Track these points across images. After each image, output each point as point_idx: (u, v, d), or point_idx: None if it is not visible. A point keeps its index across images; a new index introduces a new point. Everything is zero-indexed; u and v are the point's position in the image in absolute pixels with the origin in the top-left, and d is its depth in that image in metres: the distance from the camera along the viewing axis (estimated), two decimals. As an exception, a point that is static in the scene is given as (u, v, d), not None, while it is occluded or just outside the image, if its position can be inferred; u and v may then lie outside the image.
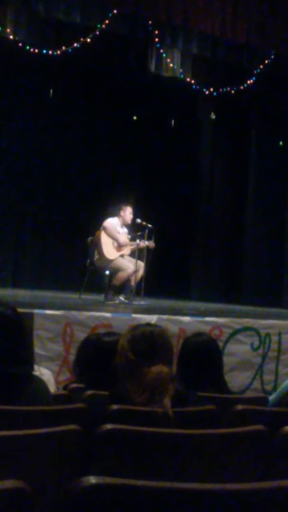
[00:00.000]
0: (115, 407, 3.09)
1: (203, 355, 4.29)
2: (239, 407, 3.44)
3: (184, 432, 2.82)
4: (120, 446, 2.71)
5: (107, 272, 10.20)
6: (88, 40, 10.22)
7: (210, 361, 4.31)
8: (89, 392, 3.56)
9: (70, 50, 10.29)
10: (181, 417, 3.15)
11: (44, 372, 4.13)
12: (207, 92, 11.80)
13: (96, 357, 4.14)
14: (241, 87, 11.71)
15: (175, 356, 3.63)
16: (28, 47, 10.25)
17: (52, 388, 3.95)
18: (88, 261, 10.28)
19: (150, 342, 3.29)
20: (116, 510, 1.74)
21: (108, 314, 7.99)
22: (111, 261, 10.06)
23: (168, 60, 10.82)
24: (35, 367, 4.07)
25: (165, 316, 8.23)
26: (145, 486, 1.76)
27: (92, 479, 1.73)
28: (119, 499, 1.74)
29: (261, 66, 11.49)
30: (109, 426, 2.70)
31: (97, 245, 10.11)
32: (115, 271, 10.08)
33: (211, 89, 11.77)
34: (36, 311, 7.49)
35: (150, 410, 3.10)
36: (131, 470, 2.64)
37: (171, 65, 10.83)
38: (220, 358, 4.55)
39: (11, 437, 2.56)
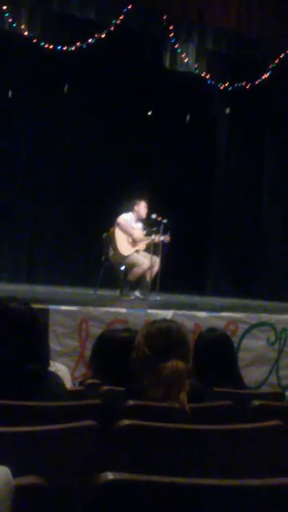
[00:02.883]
0: (131, 402, 3.09)
1: (216, 350, 4.30)
2: (256, 402, 3.43)
3: (201, 427, 2.81)
4: (137, 442, 2.71)
5: (123, 268, 10.20)
6: (103, 36, 10.22)
7: (223, 356, 4.32)
8: (105, 387, 3.57)
9: (84, 46, 10.29)
10: (197, 413, 3.15)
11: (60, 368, 4.13)
12: (222, 87, 11.77)
13: (112, 353, 4.14)
14: (257, 82, 11.66)
15: (191, 351, 3.63)
16: (42, 43, 10.26)
17: (68, 384, 3.95)
18: (103, 257, 10.28)
19: (166, 337, 3.29)
20: (133, 506, 1.74)
21: (123, 310, 7.98)
22: (126, 256, 10.06)
23: (183, 55, 10.80)
24: (51, 362, 4.07)
25: (180, 312, 8.21)
26: (161, 482, 1.76)
27: (110, 475, 1.73)
28: (136, 495, 1.74)
29: (277, 61, 11.43)
30: (125, 421, 2.70)
31: (111, 241, 10.11)
32: (131, 266, 10.07)
33: (226, 84, 11.73)
34: (51, 307, 7.48)
35: (167, 405, 3.10)
36: (148, 465, 2.64)
37: (186, 60, 10.81)
38: (233, 353, 4.56)
39: (27, 433, 2.56)
